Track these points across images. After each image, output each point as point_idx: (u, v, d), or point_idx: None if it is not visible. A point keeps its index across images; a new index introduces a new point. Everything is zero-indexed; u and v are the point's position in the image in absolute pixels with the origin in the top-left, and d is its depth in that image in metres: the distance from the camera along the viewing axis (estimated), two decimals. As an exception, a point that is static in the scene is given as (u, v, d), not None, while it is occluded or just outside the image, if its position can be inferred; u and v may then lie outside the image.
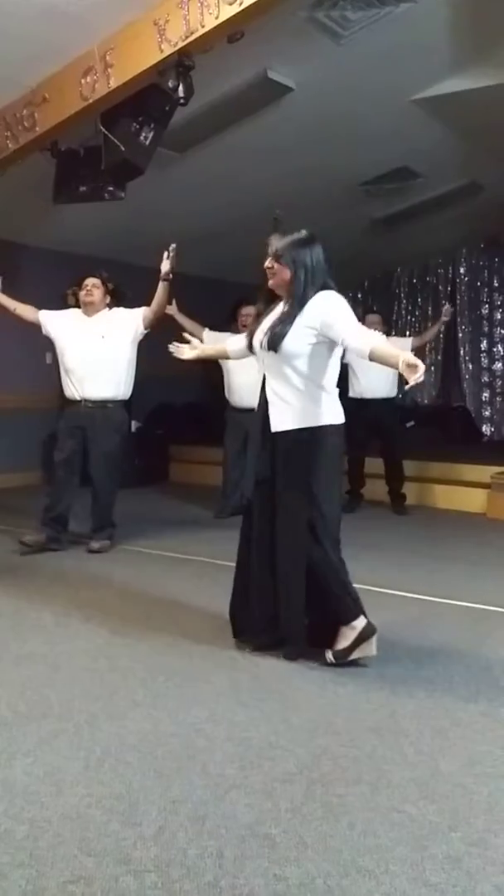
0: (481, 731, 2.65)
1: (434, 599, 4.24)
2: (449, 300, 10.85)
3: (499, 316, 10.77)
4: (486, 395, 10.82)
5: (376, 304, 11.32)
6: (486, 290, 10.84)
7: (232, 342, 3.68)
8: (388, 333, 7.13)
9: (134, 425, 8.96)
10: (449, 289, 11.04)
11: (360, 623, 3.21)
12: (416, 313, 11.44)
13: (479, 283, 10.85)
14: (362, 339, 3.07)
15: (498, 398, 10.75)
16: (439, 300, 10.99)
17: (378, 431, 6.87)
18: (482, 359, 10.85)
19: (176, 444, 9.11)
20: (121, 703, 2.85)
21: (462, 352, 10.86)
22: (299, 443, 3.15)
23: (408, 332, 10.74)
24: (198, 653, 3.37)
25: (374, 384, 6.77)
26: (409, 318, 11.49)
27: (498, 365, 10.78)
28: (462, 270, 10.91)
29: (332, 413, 3.21)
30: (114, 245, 7.89)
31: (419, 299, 11.44)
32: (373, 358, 3.02)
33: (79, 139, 5.69)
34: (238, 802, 2.19)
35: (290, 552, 3.18)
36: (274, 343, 3.14)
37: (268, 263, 3.20)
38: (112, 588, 4.43)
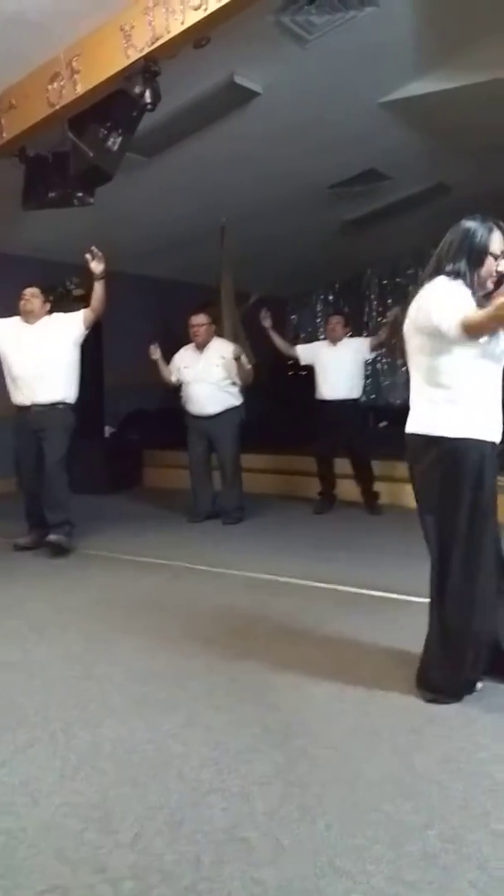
0: (455, 727, 2.68)
1: (410, 598, 4.26)
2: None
3: (469, 315, 10.86)
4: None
5: (347, 305, 11.41)
6: (455, 290, 10.92)
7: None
8: (353, 334, 7.19)
9: (108, 431, 8.95)
10: (419, 290, 11.10)
11: None
12: (387, 314, 11.51)
13: (448, 284, 10.93)
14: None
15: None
16: (409, 301, 11.07)
17: (342, 432, 6.90)
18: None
19: (149, 450, 9.09)
20: (97, 711, 2.84)
21: (432, 351, 10.93)
22: None
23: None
24: (174, 658, 3.37)
25: (336, 386, 6.83)
26: (380, 318, 11.56)
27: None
28: (431, 271, 10.99)
29: None
30: (84, 250, 7.86)
31: (389, 300, 11.52)
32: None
33: (47, 145, 5.67)
34: (215, 807, 2.20)
35: None
36: None
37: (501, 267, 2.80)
38: (88, 594, 4.42)
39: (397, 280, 11.43)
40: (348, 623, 3.81)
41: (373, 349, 6.97)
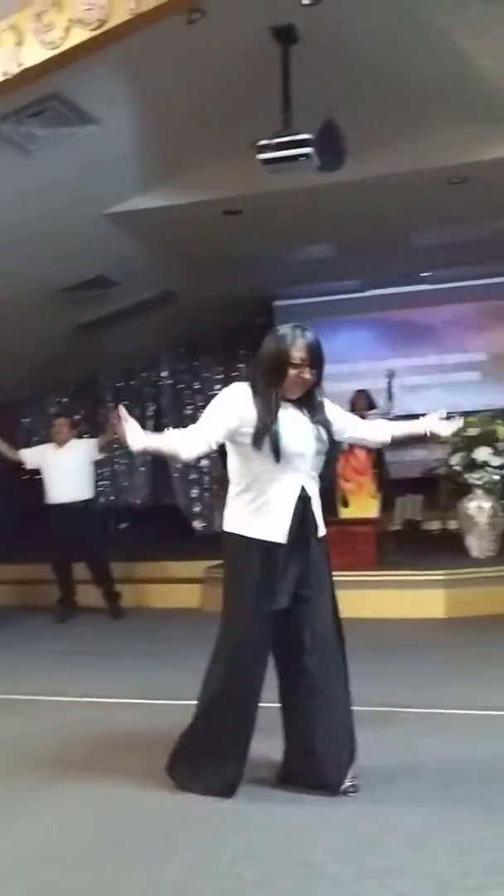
0: (204, 831, 2.62)
1: (153, 702, 4.19)
2: (154, 402, 11.27)
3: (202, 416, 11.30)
4: (194, 491, 11.20)
5: (83, 407, 11.39)
6: (188, 391, 11.36)
7: (193, 444, 2.82)
8: (80, 436, 7.27)
9: None
10: (154, 390, 11.42)
11: None
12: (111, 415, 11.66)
13: (181, 385, 11.35)
14: (376, 427, 3.27)
15: (206, 494, 11.17)
16: (145, 402, 11.35)
17: (76, 535, 6.77)
18: (189, 457, 11.26)
19: None
20: None
21: (170, 451, 11.19)
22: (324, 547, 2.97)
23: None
24: None
25: (65, 488, 6.76)
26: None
27: (204, 462, 11.24)
28: (165, 373, 11.36)
29: None
30: None
31: (125, 402, 11.68)
32: (396, 439, 3.17)
33: None
34: None
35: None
36: (334, 445, 2.98)
37: (306, 375, 2.81)
38: None
39: (132, 382, 11.65)
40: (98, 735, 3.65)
41: (101, 449, 7.00)
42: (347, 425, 3.11)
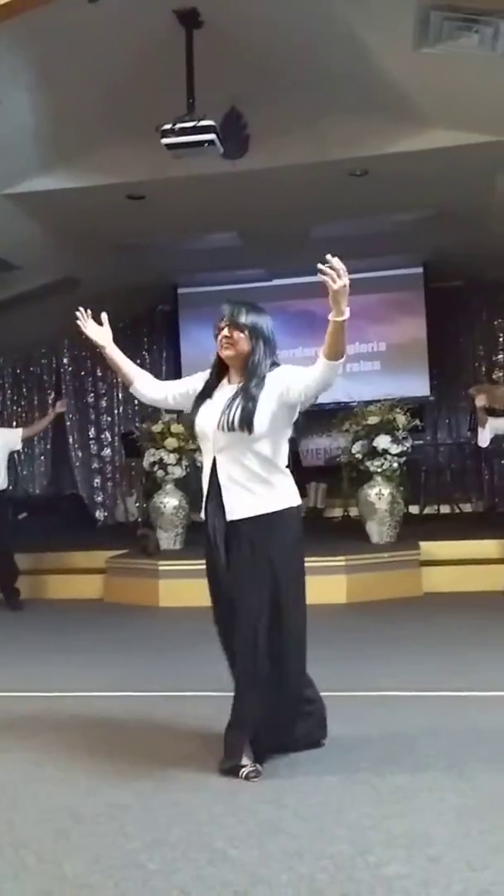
0: (104, 823, 2.60)
1: (48, 695, 4.12)
2: (54, 390, 11.02)
3: (104, 403, 11.14)
4: (97, 481, 11.04)
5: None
6: (90, 378, 11.16)
7: (151, 384, 3.20)
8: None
9: None
10: (54, 378, 11.18)
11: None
12: (23, 403, 11.37)
13: (83, 373, 11.14)
14: (316, 368, 2.80)
15: (109, 483, 11.03)
16: (45, 390, 11.11)
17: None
18: (91, 446, 11.10)
19: None
20: None
21: (71, 440, 11.00)
22: (260, 530, 2.88)
23: (15, 423, 10.59)
24: None
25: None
26: (14, 408, 11.37)
27: (107, 451, 11.09)
28: (66, 360, 11.13)
29: (294, 494, 2.99)
30: None
31: (24, 389, 11.41)
32: (332, 355, 2.74)
33: None
34: None
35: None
36: (247, 423, 2.83)
37: (225, 332, 2.90)
38: None
39: (31, 369, 11.37)
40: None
41: (24, 440, 6.87)
42: (293, 382, 2.87)
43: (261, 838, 2.42)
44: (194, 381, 3.10)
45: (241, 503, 2.89)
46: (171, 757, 3.12)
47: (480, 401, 6.49)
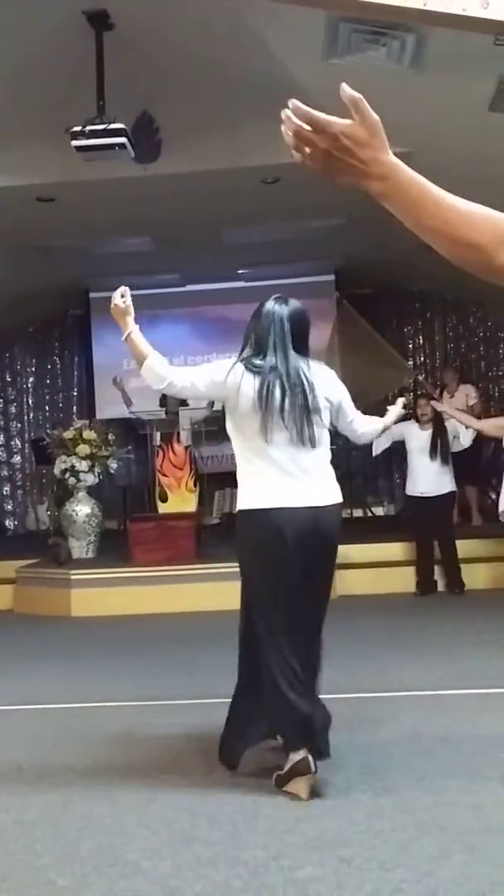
0: (12, 840, 2.52)
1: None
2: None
3: (14, 410, 10.89)
4: (6, 488, 10.78)
5: None
6: (-1, 384, 10.91)
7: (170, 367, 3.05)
8: None
9: None
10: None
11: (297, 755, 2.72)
12: None
13: (-8, 379, 10.88)
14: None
15: (19, 491, 10.78)
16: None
17: None
18: (0, 453, 10.83)
19: None
20: None
21: (-20, 448, 10.73)
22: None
23: None
24: None
25: None
26: None
27: (17, 458, 10.84)
28: (-26, 366, 10.84)
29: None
30: None
31: None
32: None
33: None
34: None
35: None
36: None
37: None
38: None
39: None
40: None
41: None
42: None
43: (174, 848, 2.40)
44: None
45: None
46: (81, 769, 3.06)
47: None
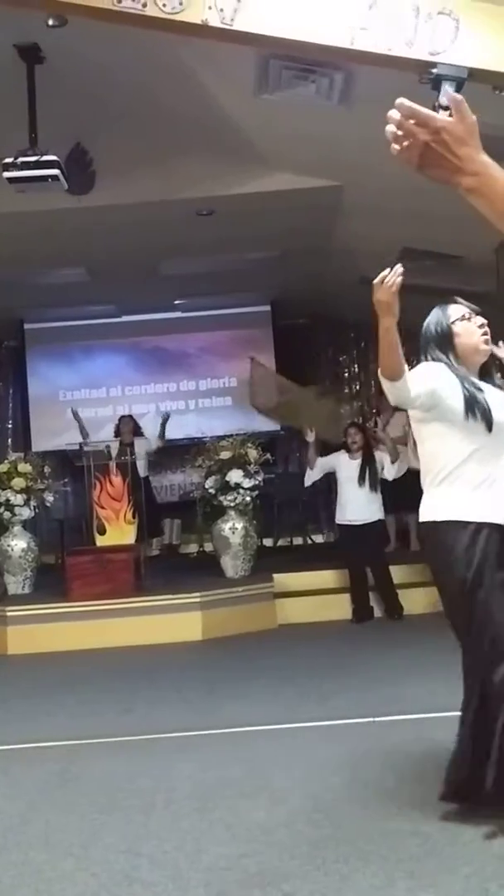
0: None
1: None
2: None
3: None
4: None
5: None
6: None
7: None
8: None
9: None
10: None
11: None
12: None
13: None
14: None
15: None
16: None
17: None
18: None
19: None
20: None
21: None
22: None
23: None
24: None
25: None
26: None
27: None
28: None
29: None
30: None
31: None
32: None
33: None
34: None
35: None
36: None
37: (484, 322, 2.77)
38: None
39: None
40: None
41: None
42: None
43: (114, 891, 2.34)
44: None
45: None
46: (16, 813, 2.97)
47: (311, 437, 6.66)
